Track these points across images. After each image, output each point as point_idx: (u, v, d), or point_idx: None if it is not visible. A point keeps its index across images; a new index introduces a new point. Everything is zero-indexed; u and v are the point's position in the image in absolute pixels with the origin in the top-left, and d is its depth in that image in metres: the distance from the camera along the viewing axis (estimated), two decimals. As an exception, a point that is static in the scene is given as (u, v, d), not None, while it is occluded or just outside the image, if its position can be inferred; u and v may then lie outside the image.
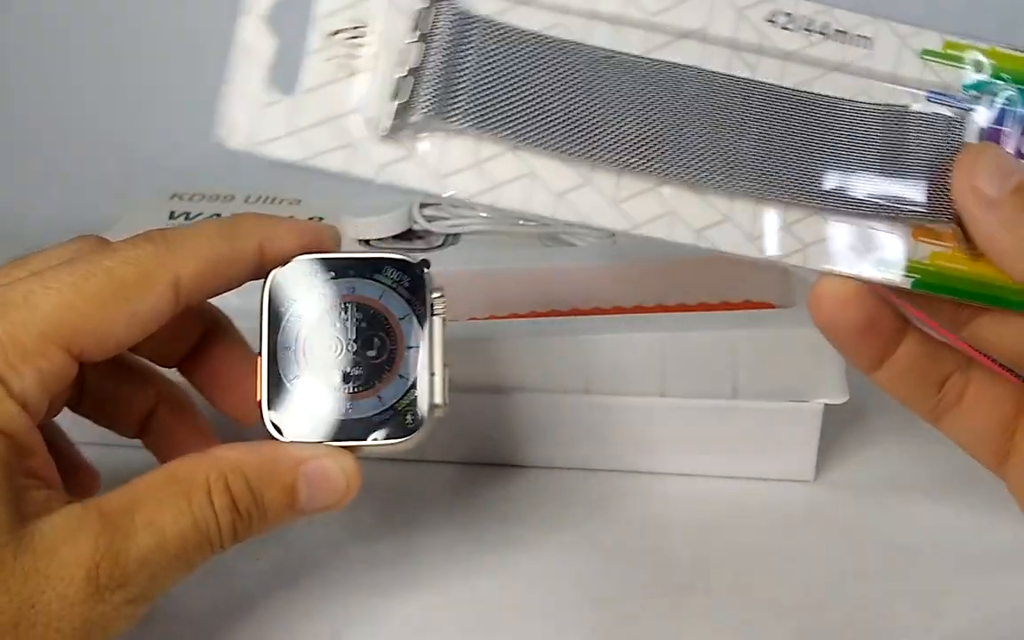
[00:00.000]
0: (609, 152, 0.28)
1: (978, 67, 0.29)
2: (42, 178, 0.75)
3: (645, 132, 0.28)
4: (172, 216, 0.59)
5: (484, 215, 0.60)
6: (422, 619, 0.35)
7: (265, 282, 0.31)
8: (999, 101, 0.28)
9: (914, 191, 0.28)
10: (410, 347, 0.31)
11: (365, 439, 0.30)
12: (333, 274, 0.31)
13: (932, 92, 0.28)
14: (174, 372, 0.35)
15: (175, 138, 0.77)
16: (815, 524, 0.38)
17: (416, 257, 0.32)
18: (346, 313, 0.31)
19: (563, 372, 0.39)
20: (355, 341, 0.31)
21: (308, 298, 0.31)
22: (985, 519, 0.37)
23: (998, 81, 0.28)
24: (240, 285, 0.31)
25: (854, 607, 0.34)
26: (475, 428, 0.41)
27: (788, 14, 0.28)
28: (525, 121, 0.28)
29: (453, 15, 0.28)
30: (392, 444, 0.31)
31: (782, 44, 0.28)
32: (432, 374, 0.31)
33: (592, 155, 0.28)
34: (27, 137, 0.78)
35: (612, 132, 0.28)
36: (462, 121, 0.27)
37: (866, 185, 0.28)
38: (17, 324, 0.28)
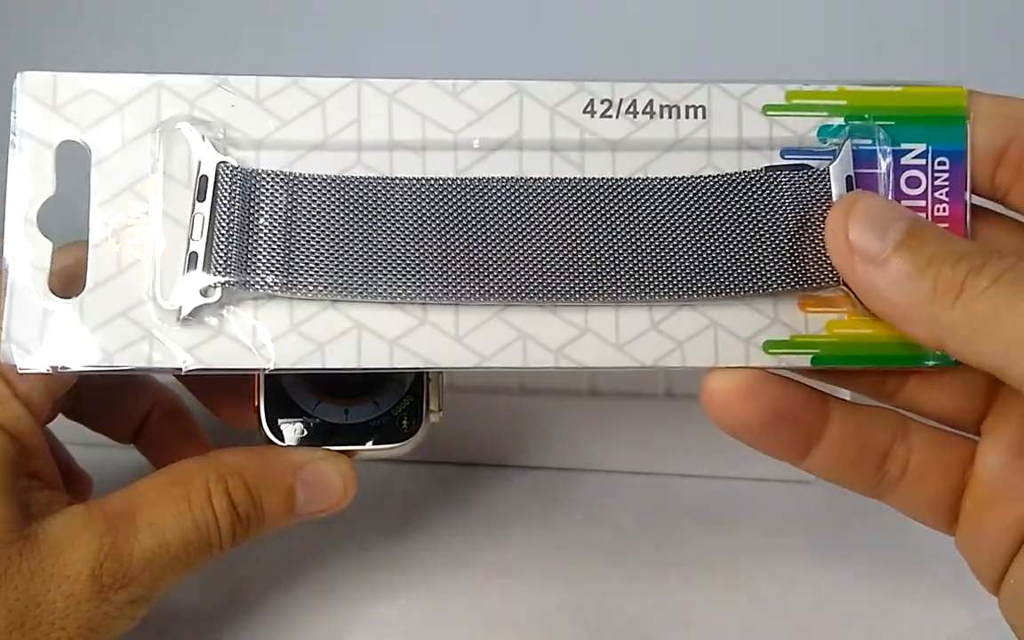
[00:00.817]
0: (434, 288, 0.25)
1: (831, 111, 0.26)
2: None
3: (468, 258, 0.25)
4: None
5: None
6: (421, 620, 0.35)
7: None
8: (862, 142, 0.26)
9: (791, 259, 0.25)
10: None
11: (362, 444, 0.31)
12: None
13: (786, 149, 0.26)
14: (169, 378, 0.36)
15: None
16: (816, 525, 0.38)
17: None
18: None
19: (562, 374, 0.39)
20: None
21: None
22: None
23: (857, 122, 0.26)
24: None
25: (855, 607, 0.34)
26: (475, 429, 0.41)
27: (606, 101, 0.26)
28: (333, 274, 0.25)
29: (235, 175, 0.26)
30: (388, 449, 0.31)
31: (606, 133, 0.26)
32: (428, 380, 0.31)
33: (415, 295, 0.25)
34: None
35: (430, 266, 0.25)
36: (263, 287, 0.25)
37: (733, 263, 0.25)
38: None
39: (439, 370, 0.27)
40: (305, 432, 0.31)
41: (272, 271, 0.25)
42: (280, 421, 0.31)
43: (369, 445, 0.31)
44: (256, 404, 0.31)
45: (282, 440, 0.31)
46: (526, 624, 0.34)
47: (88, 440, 0.35)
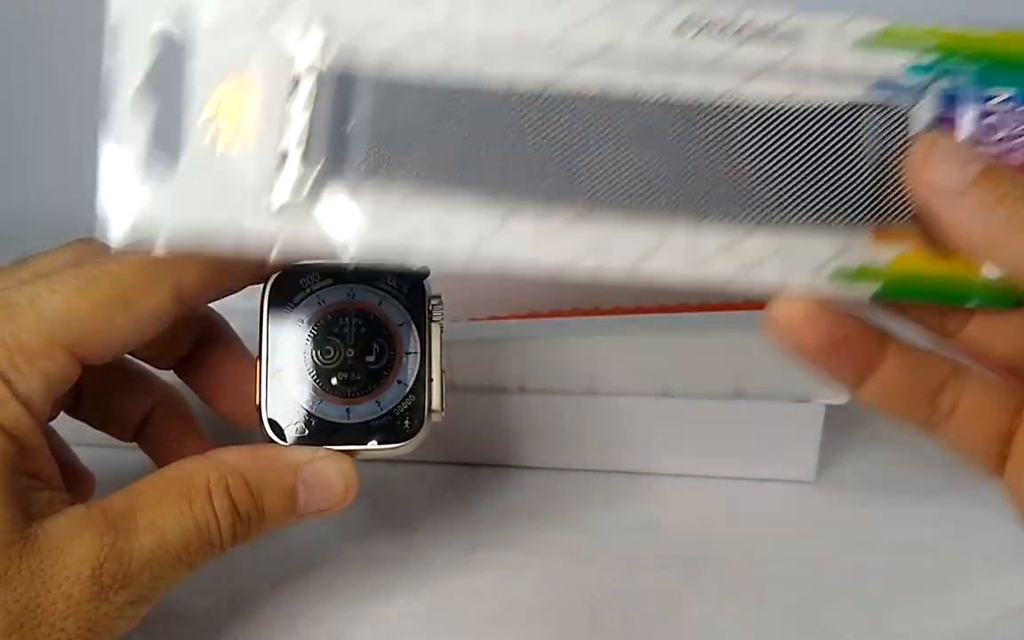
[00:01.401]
0: (525, 186, 0.26)
1: (923, 50, 0.26)
2: (42, 179, 0.76)
3: (557, 160, 0.26)
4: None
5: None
6: (421, 620, 0.35)
7: (265, 286, 0.31)
8: (949, 84, 0.26)
9: (867, 192, 0.26)
10: (408, 353, 0.31)
11: (363, 444, 0.31)
12: (332, 280, 0.31)
13: (876, 82, 0.26)
14: (171, 374, 0.36)
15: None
16: (816, 525, 0.38)
17: (415, 266, 0.32)
18: (345, 319, 0.31)
19: (565, 373, 0.39)
20: (354, 347, 0.31)
21: (308, 303, 0.31)
22: (986, 520, 0.37)
23: (947, 62, 0.26)
24: (242, 289, 0.32)
25: (855, 607, 0.34)
26: (475, 429, 0.41)
27: (702, 19, 0.26)
28: (425, 165, 0.26)
29: (331, 72, 0.26)
30: (390, 449, 0.31)
31: (700, 53, 0.26)
32: (430, 380, 0.31)
33: (503, 189, 0.26)
34: (27, 137, 0.78)
35: (528, 167, 0.26)
36: (354, 177, 0.26)
37: (812, 192, 0.26)
38: (23, 327, 0.28)
39: (513, 273, 0.26)
40: (306, 431, 0.31)
41: (364, 163, 0.26)
42: (281, 420, 0.31)
43: (370, 445, 0.31)
44: (257, 402, 0.31)
45: (283, 439, 0.31)
46: (526, 623, 0.34)
47: (89, 440, 0.35)
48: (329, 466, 0.30)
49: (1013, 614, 0.33)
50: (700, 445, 0.40)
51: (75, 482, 0.34)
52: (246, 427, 0.33)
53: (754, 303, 0.42)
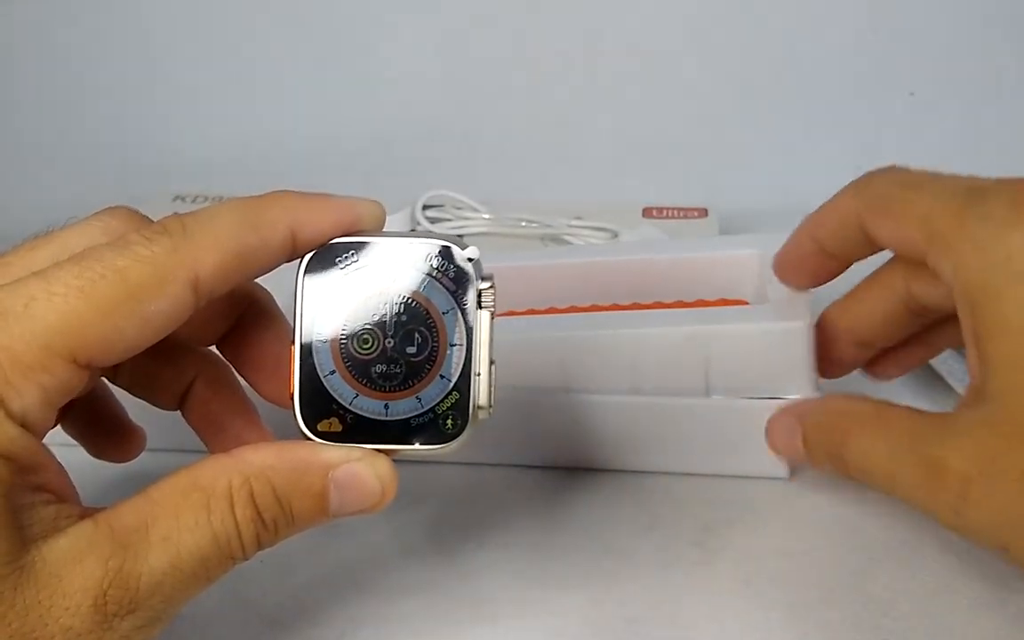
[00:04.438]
0: None
1: None
2: (42, 178, 0.76)
3: None
4: (174, 217, 0.59)
5: (487, 216, 0.60)
6: (422, 618, 0.34)
7: (299, 268, 0.29)
8: None
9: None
10: (453, 345, 0.29)
11: (402, 443, 0.29)
12: (374, 259, 0.29)
13: None
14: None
15: (177, 139, 0.77)
16: (792, 522, 0.38)
17: (463, 244, 0.29)
18: (384, 305, 0.29)
19: (540, 370, 0.39)
20: (393, 336, 0.29)
21: (344, 286, 0.29)
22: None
23: None
24: (268, 273, 0.29)
25: (827, 606, 0.34)
26: (475, 429, 0.41)
27: None
28: None
29: None
30: (431, 450, 0.29)
31: None
32: (477, 374, 0.29)
33: None
34: (27, 137, 0.78)
35: None
36: None
37: None
38: (17, 337, 0.25)
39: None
40: (341, 427, 0.29)
41: None
42: (315, 413, 0.29)
43: (409, 446, 0.29)
44: (291, 391, 0.29)
45: (316, 434, 0.29)
46: (526, 623, 0.34)
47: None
48: (364, 468, 0.28)
49: (994, 605, 0.33)
50: (672, 442, 0.40)
51: (124, 440, 0.33)
52: (288, 408, 0.30)
53: (727, 300, 0.43)
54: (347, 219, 0.29)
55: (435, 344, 0.28)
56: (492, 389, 0.29)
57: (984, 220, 0.30)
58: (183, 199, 0.61)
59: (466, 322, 0.28)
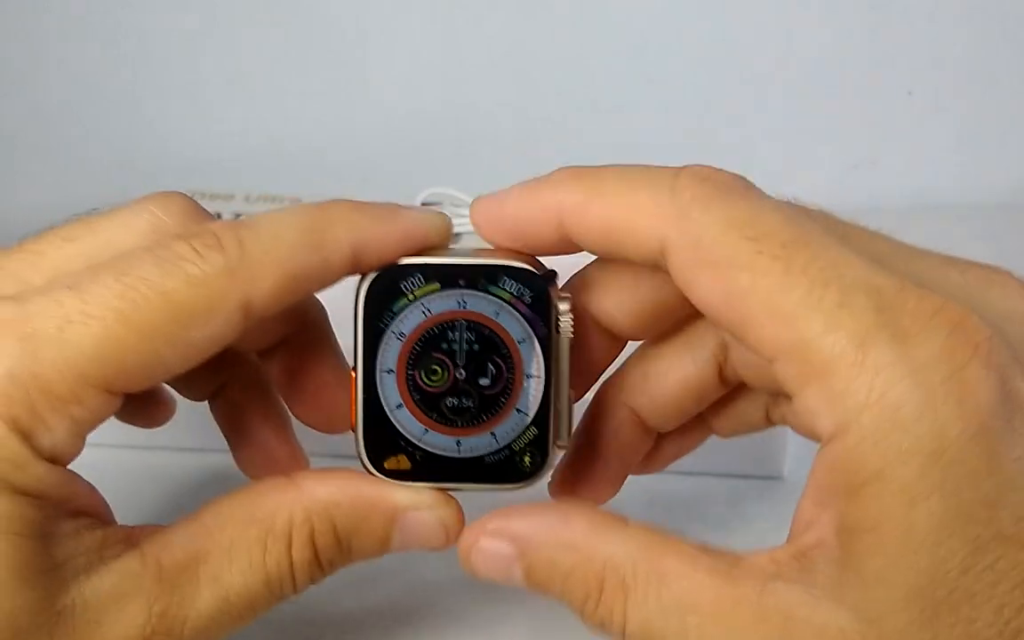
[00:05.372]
0: None
1: None
2: (42, 177, 0.75)
3: None
4: (172, 216, 0.59)
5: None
6: (423, 617, 0.34)
7: (359, 290, 0.26)
8: None
9: None
10: (530, 376, 0.27)
11: (476, 483, 0.27)
12: (440, 284, 0.26)
13: None
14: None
15: (175, 138, 0.77)
16: (785, 521, 0.38)
17: (540, 267, 0.27)
18: (455, 333, 0.26)
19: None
20: (465, 366, 0.27)
21: (410, 312, 0.26)
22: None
23: None
24: (325, 288, 0.27)
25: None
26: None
27: None
28: None
29: None
30: (507, 489, 0.27)
31: None
32: (556, 409, 0.27)
33: None
34: (27, 136, 0.78)
35: None
36: None
37: None
38: (49, 364, 0.23)
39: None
40: (409, 465, 0.27)
41: None
42: (379, 448, 0.27)
43: (483, 485, 0.27)
44: (352, 424, 0.27)
45: (381, 471, 0.27)
46: (526, 622, 0.34)
47: (92, 441, 0.35)
48: (430, 516, 0.27)
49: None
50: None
51: (153, 406, 0.31)
52: (327, 434, 0.30)
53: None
54: (416, 237, 0.27)
55: (510, 375, 0.27)
56: (571, 423, 0.27)
57: (908, 365, 0.21)
58: (181, 197, 0.61)
59: (544, 352, 0.26)
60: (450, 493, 0.27)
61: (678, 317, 0.28)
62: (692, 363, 0.28)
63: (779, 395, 0.29)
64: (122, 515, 0.28)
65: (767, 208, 0.24)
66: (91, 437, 0.34)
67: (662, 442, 0.31)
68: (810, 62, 0.70)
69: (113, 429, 0.28)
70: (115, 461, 0.34)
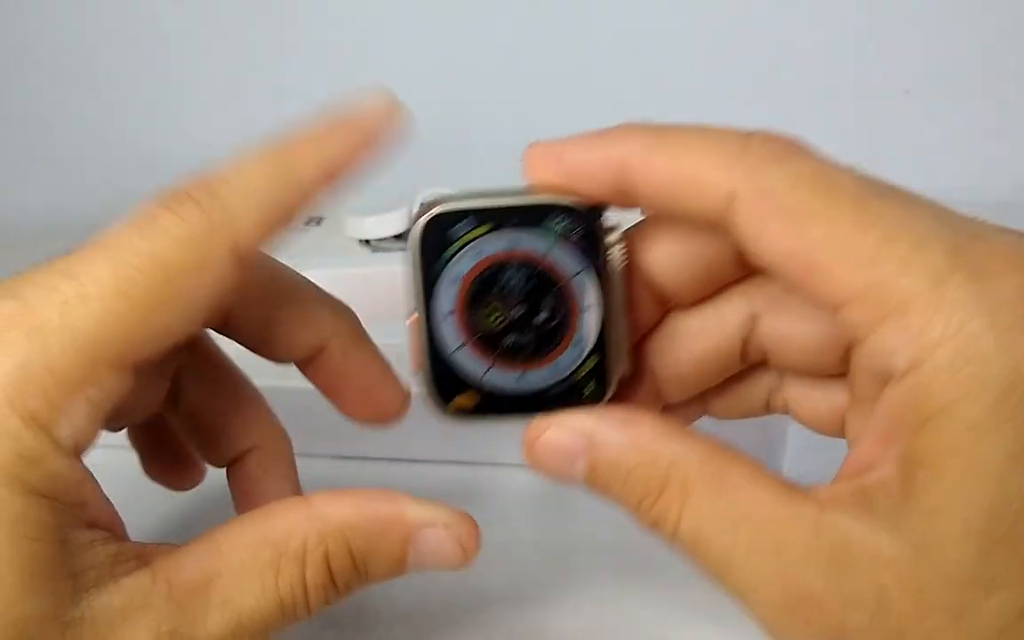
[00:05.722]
0: None
1: None
2: (41, 177, 0.75)
3: None
4: (171, 216, 0.59)
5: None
6: (422, 617, 0.35)
7: (412, 236, 0.27)
8: None
9: None
10: (586, 308, 0.27)
11: (540, 413, 0.27)
12: (491, 225, 0.27)
13: None
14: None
15: (174, 138, 0.77)
16: None
17: (588, 202, 0.27)
18: (509, 271, 0.27)
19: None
20: (522, 304, 0.27)
21: (464, 255, 0.27)
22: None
23: None
24: (313, 210, 0.27)
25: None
26: (476, 429, 0.41)
27: None
28: None
29: None
30: None
31: None
32: (613, 336, 0.28)
33: None
34: (26, 136, 0.78)
35: None
36: None
37: None
38: (58, 353, 0.23)
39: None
40: (475, 402, 0.28)
41: None
42: (445, 391, 0.28)
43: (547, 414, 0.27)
44: (415, 366, 0.28)
45: (449, 412, 0.28)
46: (526, 622, 0.34)
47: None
48: (447, 536, 0.27)
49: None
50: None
51: (184, 469, 0.32)
52: (379, 426, 0.30)
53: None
54: (374, 132, 0.28)
55: (567, 309, 0.27)
56: (629, 349, 0.28)
57: (984, 302, 0.22)
58: (180, 197, 0.61)
59: (598, 282, 0.27)
60: (469, 516, 0.28)
61: (717, 286, 0.29)
62: (720, 331, 0.29)
63: (789, 376, 0.30)
64: (126, 519, 0.28)
65: (838, 166, 0.24)
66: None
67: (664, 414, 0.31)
68: (807, 61, 0.70)
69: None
70: (118, 462, 0.35)
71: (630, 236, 0.28)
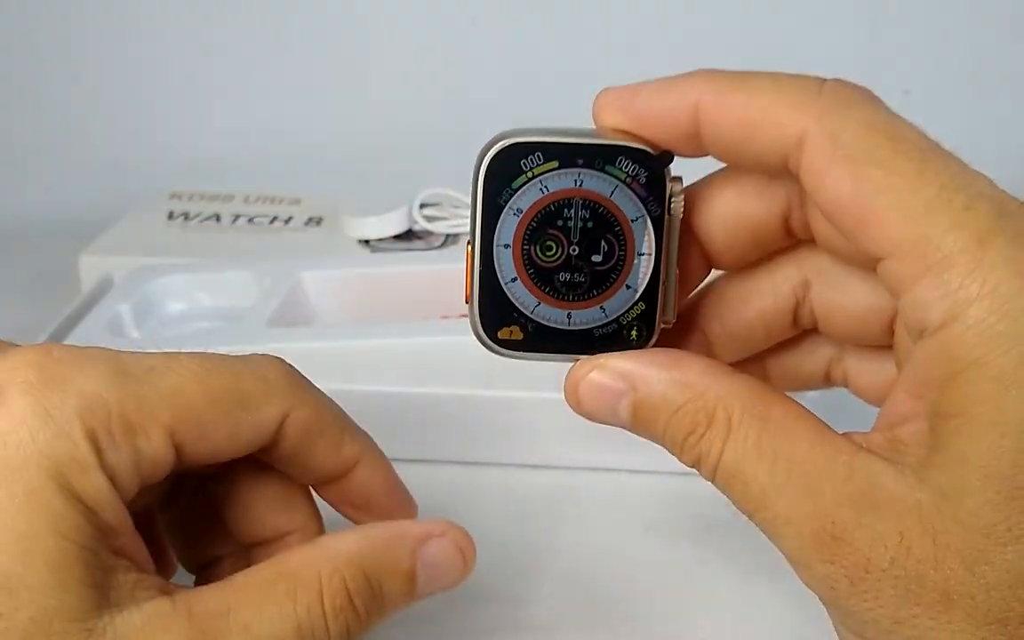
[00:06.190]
0: None
1: None
2: (41, 177, 0.75)
3: None
4: (171, 216, 0.59)
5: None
6: (421, 617, 0.35)
7: (479, 167, 0.27)
8: None
9: None
10: (641, 254, 0.27)
11: (584, 354, 0.27)
12: (558, 162, 0.27)
13: None
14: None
15: (174, 138, 0.77)
16: None
17: (657, 148, 0.27)
18: (571, 209, 0.27)
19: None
20: (579, 243, 0.27)
21: (528, 189, 0.27)
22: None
23: None
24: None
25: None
26: (475, 429, 0.41)
27: None
28: None
29: None
30: None
31: None
32: (664, 285, 0.27)
33: None
34: (26, 137, 0.78)
35: None
36: None
37: None
38: (129, 394, 0.26)
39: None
40: (522, 335, 0.28)
41: None
42: (493, 321, 0.28)
43: (591, 356, 0.27)
44: (467, 297, 0.28)
45: (496, 342, 0.28)
46: (526, 622, 0.34)
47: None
48: (449, 545, 0.28)
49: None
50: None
51: (161, 565, 0.31)
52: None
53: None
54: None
55: (622, 253, 0.27)
56: (676, 300, 0.28)
57: (1016, 260, 0.23)
58: (179, 197, 0.61)
59: (656, 231, 0.27)
60: (465, 530, 0.28)
61: (770, 250, 0.29)
62: (771, 295, 0.29)
63: (847, 347, 0.30)
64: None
65: (905, 121, 0.25)
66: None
67: None
68: (806, 61, 0.70)
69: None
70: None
71: (687, 193, 0.28)
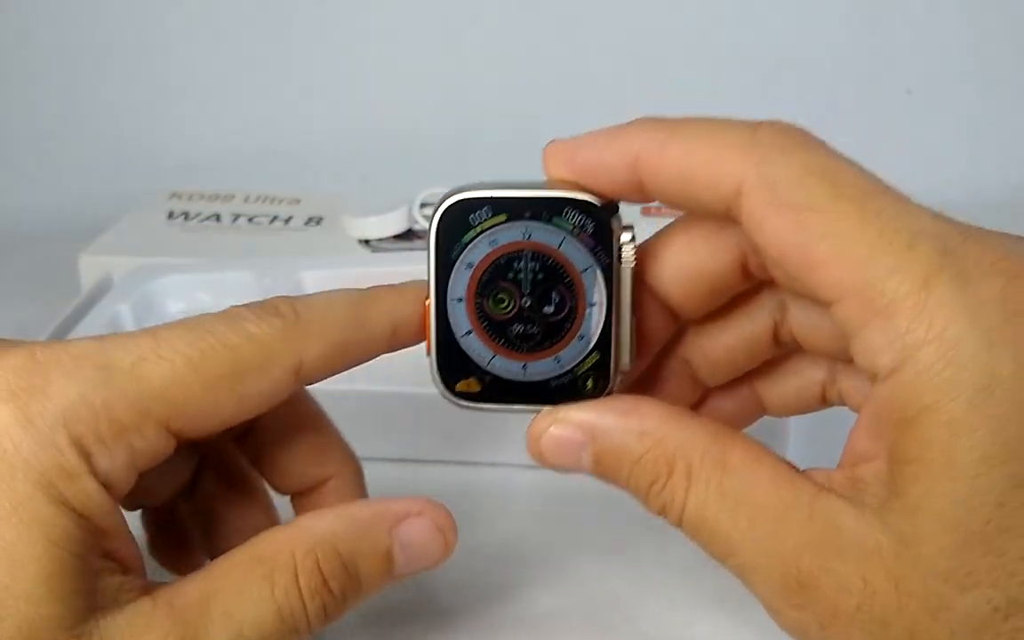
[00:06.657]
0: None
1: None
2: (41, 177, 0.76)
3: None
4: (171, 216, 0.59)
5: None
6: (421, 617, 0.35)
7: (432, 221, 0.28)
8: None
9: None
10: (592, 304, 0.28)
11: (541, 404, 0.28)
12: (506, 215, 0.27)
13: None
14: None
15: (174, 137, 0.77)
16: None
17: (603, 199, 0.27)
18: (521, 262, 0.27)
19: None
20: (531, 294, 0.28)
21: (479, 243, 0.27)
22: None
23: None
24: (366, 362, 0.29)
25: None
26: (475, 429, 0.41)
27: None
28: None
29: None
30: None
31: None
32: (617, 335, 0.28)
33: None
34: (26, 137, 0.78)
35: None
36: None
37: None
38: (118, 394, 0.25)
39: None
40: (479, 387, 0.28)
41: None
42: (452, 374, 0.28)
43: (548, 407, 0.28)
44: (428, 350, 0.28)
45: (454, 394, 0.28)
46: (526, 622, 0.34)
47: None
48: (427, 524, 0.28)
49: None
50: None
51: (185, 556, 0.32)
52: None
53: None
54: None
55: (573, 303, 0.28)
56: (632, 348, 0.28)
57: (968, 305, 0.22)
58: (179, 197, 0.61)
59: (606, 280, 0.27)
60: (443, 505, 0.29)
61: (731, 295, 0.29)
62: (749, 320, 0.29)
63: (837, 364, 0.30)
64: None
65: (843, 160, 0.25)
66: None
67: (708, 398, 0.31)
68: (809, 61, 0.70)
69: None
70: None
71: (639, 250, 0.28)
